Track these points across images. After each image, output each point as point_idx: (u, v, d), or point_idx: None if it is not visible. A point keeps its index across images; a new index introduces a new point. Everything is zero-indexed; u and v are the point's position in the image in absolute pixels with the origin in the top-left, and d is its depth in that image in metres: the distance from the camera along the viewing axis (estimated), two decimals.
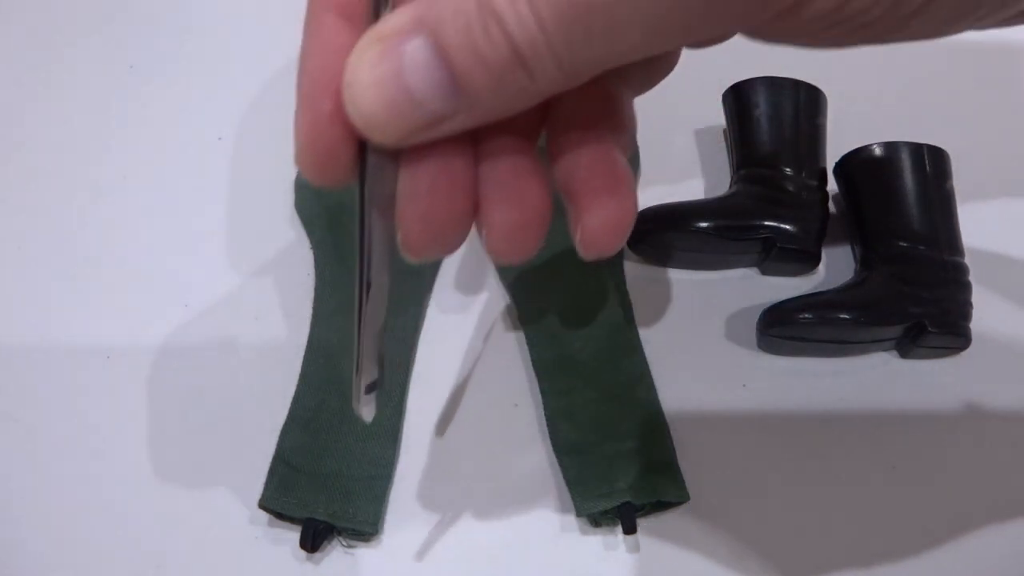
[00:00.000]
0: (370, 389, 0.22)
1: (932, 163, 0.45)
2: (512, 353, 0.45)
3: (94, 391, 0.45)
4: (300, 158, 0.19)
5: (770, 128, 0.47)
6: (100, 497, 0.42)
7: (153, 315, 0.47)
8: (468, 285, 0.48)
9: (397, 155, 0.19)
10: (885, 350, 0.45)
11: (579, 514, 0.40)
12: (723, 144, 0.53)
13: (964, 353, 0.44)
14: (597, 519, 0.40)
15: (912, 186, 0.45)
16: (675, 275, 0.48)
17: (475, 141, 0.20)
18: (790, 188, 0.46)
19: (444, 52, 0.17)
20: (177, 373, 0.45)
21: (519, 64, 0.17)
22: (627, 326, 0.45)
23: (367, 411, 0.22)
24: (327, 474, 0.40)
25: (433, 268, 0.48)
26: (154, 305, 0.48)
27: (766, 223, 0.45)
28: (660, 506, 0.40)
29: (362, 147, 0.19)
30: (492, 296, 0.47)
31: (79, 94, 0.57)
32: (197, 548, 0.40)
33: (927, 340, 0.42)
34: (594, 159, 0.21)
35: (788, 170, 0.46)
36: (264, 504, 0.39)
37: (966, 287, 0.43)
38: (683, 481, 0.40)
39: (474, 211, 0.20)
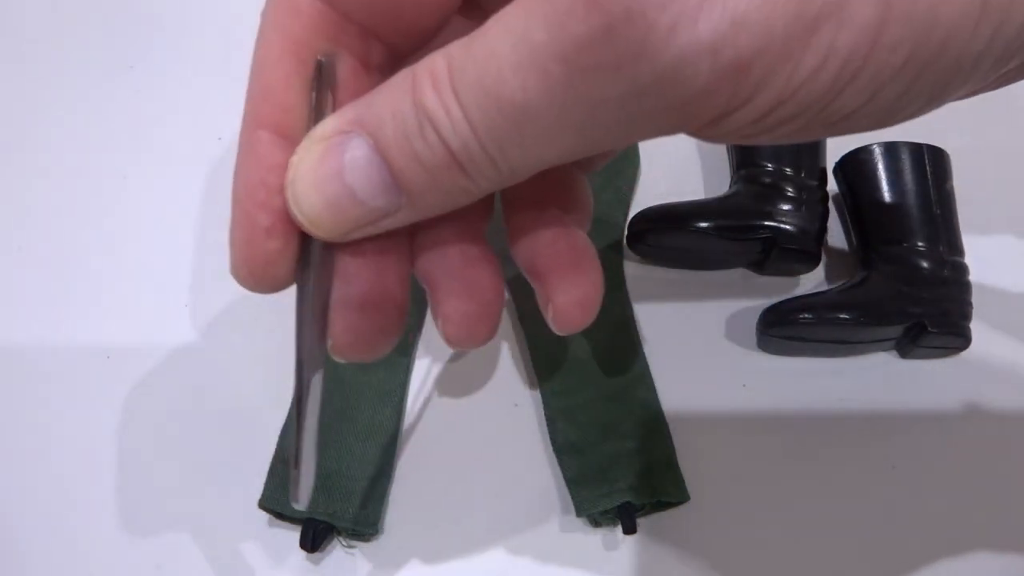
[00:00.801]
0: (307, 483, 0.22)
1: (932, 163, 0.45)
2: (512, 353, 0.45)
3: (94, 391, 0.45)
4: (236, 270, 0.20)
5: None
6: (100, 497, 0.42)
7: (153, 315, 0.47)
8: None
9: (334, 263, 0.20)
10: (885, 350, 0.45)
11: (579, 514, 0.40)
12: (723, 144, 0.53)
13: (964, 353, 0.44)
14: (597, 519, 0.40)
15: (912, 186, 0.45)
16: (675, 275, 0.48)
17: (417, 232, 0.21)
18: (790, 188, 0.46)
19: (383, 152, 0.17)
20: (177, 373, 0.45)
21: (456, 166, 0.17)
22: (627, 326, 0.45)
23: (303, 501, 0.22)
24: (327, 474, 0.40)
25: None
26: (154, 305, 0.48)
27: (766, 223, 0.45)
28: (660, 506, 0.40)
29: (302, 251, 0.20)
30: None
31: (79, 94, 0.57)
32: (197, 548, 0.40)
33: (927, 340, 0.42)
34: (554, 237, 0.21)
35: (788, 170, 0.46)
36: (264, 504, 0.39)
37: (966, 287, 0.43)
38: (683, 481, 0.40)
39: (403, 321, 0.21)
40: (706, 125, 0.16)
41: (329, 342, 0.20)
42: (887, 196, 0.45)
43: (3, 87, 0.57)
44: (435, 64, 0.17)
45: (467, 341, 0.21)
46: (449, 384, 0.44)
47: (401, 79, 0.17)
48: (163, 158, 0.53)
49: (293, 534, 0.39)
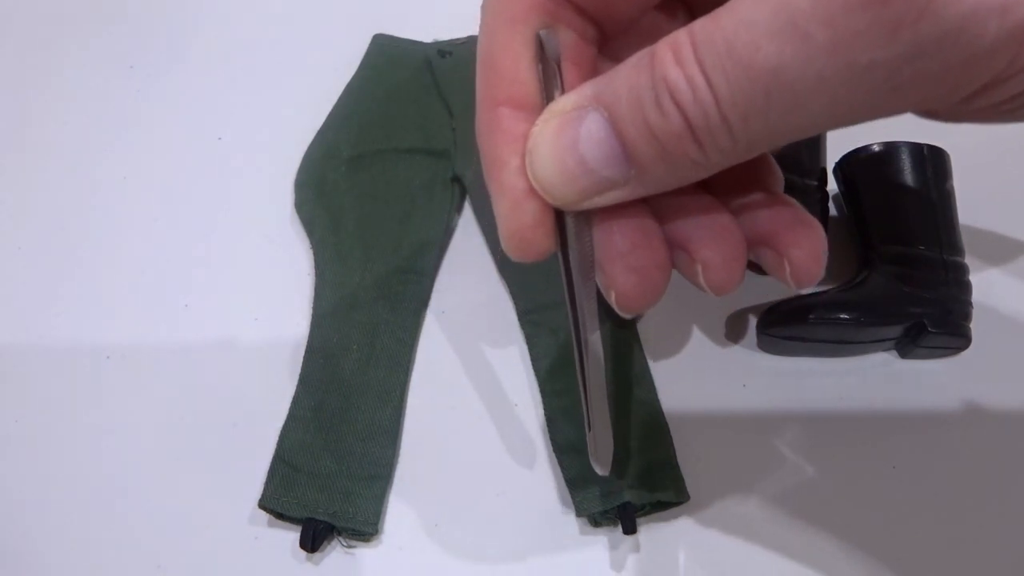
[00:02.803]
0: (604, 444, 0.23)
1: (932, 163, 0.45)
2: (512, 353, 0.45)
3: (94, 391, 0.45)
4: (507, 241, 0.22)
5: None
6: (100, 497, 0.42)
7: (153, 315, 0.47)
8: (468, 285, 0.48)
9: (591, 225, 0.21)
10: (885, 350, 0.45)
11: (579, 514, 0.40)
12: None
13: (964, 353, 0.44)
14: (597, 519, 0.40)
15: (912, 186, 0.45)
16: (675, 275, 0.48)
17: (654, 199, 0.22)
18: (790, 188, 0.46)
19: (617, 125, 0.18)
20: (177, 373, 0.45)
21: (690, 138, 0.17)
22: (627, 326, 0.45)
23: (603, 466, 0.23)
24: (327, 474, 0.40)
25: (432, 268, 0.48)
26: (154, 305, 0.48)
27: None
28: (660, 506, 0.40)
29: (560, 221, 0.21)
30: (492, 296, 0.47)
31: (79, 94, 0.57)
32: (197, 548, 0.40)
33: (927, 340, 0.42)
34: (772, 206, 0.23)
35: (788, 170, 0.46)
36: (264, 504, 0.39)
37: (966, 287, 0.43)
38: (683, 481, 0.40)
39: (669, 270, 0.23)
40: (970, 96, 0.16)
41: (611, 295, 0.22)
42: (887, 196, 0.45)
43: (2, 87, 0.57)
44: (677, 38, 0.17)
45: (726, 284, 0.23)
46: (449, 384, 0.44)
47: (639, 57, 0.18)
48: (163, 158, 0.54)
49: (293, 534, 0.39)
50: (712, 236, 0.22)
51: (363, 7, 0.59)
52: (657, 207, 0.22)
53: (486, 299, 0.47)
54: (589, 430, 0.23)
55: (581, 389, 0.23)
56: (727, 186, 0.23)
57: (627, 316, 0.22)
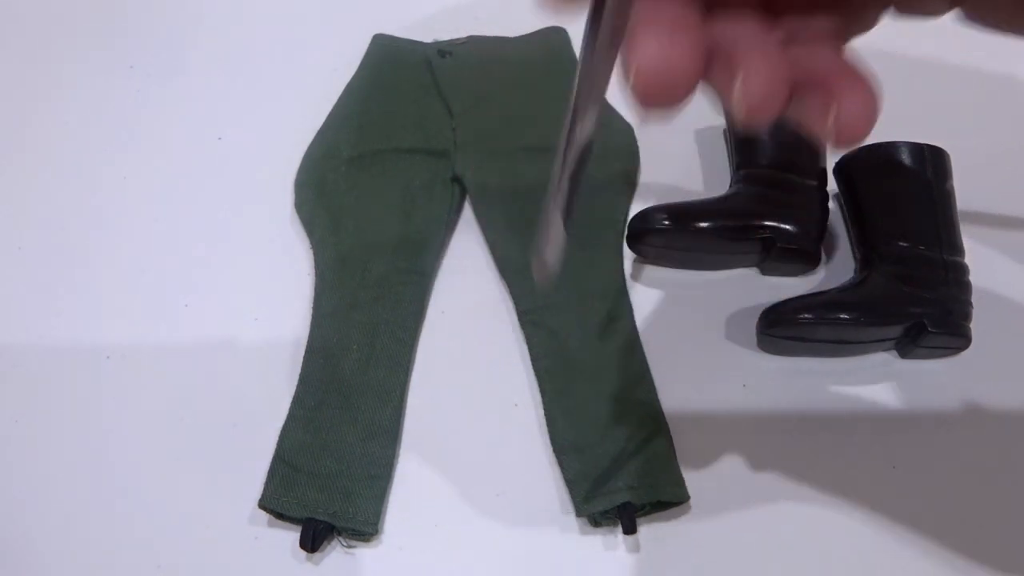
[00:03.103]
0: (557, 238, 0.21)
1: (932, 163, 0.45)
2: (512, 353, 0.45)
3: (94, 391, 0.45)
4: None
5: (769, 128, 0.47)
6: (100, 497, 0.42)
7: (153, 315, 0.47)
8: (468, 285, 0.48)
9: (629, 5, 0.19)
10: (885, 350, 0.45)
11: (579, 514, 0.40)
12: (723, 144, 0.53)
13: (964, 353, 0.44)
14: (597, 519, 0.40)
15: (912, 186, 0.45)
16: (675, 275, 0.48)
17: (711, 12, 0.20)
18: (790, 188, 0.46)
19: None
20: (177, 373, 0.45)
21: None
22: (627, 326, 0.45)
23: (542, 273, 0.21)
24: (327, 474, 0.40)
25: (432, 268, 0.48)
26: (154, 305, 0.48)
27: (766, 223, 0.45)
28: (660, 506, 0.40)
29: None
30: (492, 296, 0.47)
31: (79, 94, 0.57)
32: (197, 548, 0.40)
33: (927, 340, 0.42)
34: (834, 51, 0.21)
35: (788, 170, 0.46)
36: (264, 504, 0.39)
37: (966, 287, 0.43)
38: (683, 481, 0.40)
39: (698, 77, 0.20)
40: None
41: (632, 71, 0.19)
42: (887, 196, 0.45)
43: (3, 87, 0.57)
44: None
45: (762, 104, 0.20)
46: (449, 384, 0.44)
47: None
48: (163, 158, 0.54)
49: (293, 534, 0.39)
50: (762, 51, 0.20)
51: (363, 7, 0.60)
52: (713, 7, 0.20)
53: (486, 299, 0.47)
54: (547, 222, 0.21)
55: (557, 171, 0.21)
56: (793, 15, 0.22)
57: (640, 106, 0.20)
